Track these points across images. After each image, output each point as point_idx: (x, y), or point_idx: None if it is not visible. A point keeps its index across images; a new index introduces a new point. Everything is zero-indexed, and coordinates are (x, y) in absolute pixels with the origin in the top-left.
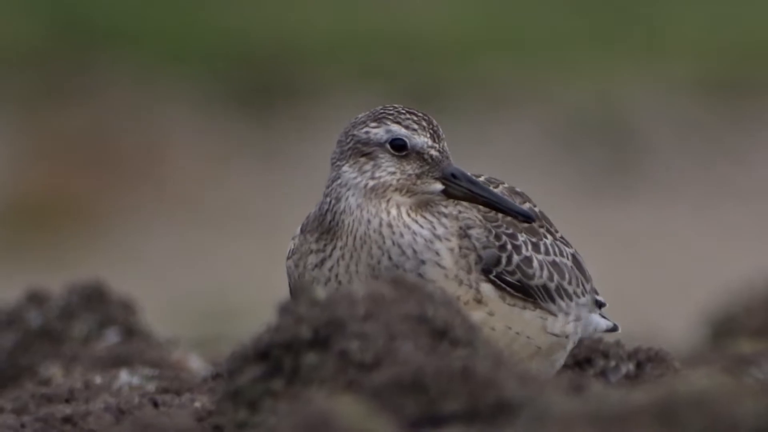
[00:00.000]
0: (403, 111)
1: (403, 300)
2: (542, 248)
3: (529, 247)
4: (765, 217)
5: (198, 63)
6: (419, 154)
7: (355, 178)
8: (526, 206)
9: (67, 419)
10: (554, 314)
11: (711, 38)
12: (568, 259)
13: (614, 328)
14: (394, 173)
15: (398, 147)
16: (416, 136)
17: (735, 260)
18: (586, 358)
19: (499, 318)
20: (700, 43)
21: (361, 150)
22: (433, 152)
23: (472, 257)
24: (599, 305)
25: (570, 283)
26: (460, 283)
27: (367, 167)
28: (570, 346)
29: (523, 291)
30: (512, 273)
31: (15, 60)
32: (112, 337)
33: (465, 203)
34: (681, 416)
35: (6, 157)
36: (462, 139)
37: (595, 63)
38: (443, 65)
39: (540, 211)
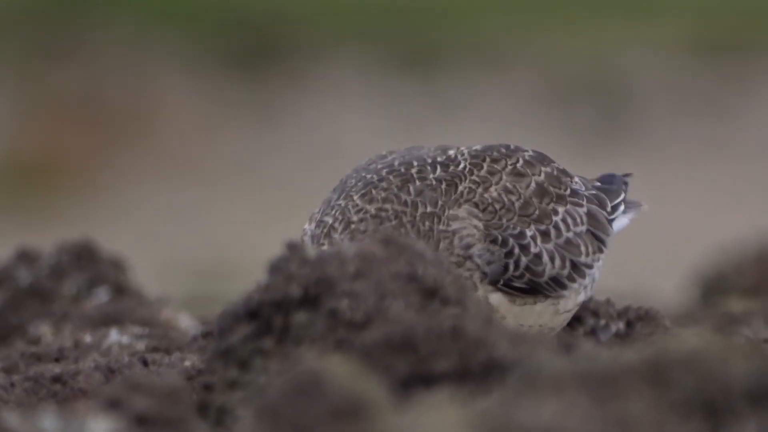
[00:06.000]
0: None
1: (394, 259)
2: (552, 233)
3: (538, 240)
4: (757, 177)
5: (192, 22)
6: None
7: None
8: (549, 169)
9: (56, 378)
10: (566, 296)
11: None
12: (582, 223)
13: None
14: None
15: None
16: None
17: (726, 219)
18: (576, 317)
19: (511, 318)
20: (695, 4)
21: None
22: None
23: (477, 275)
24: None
25: (587, 253)
26: None
27: None
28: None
29: (533, 291)
30: (520, 277)
31: (7, 20)
32: (102, 295)
33: (462, 215)
34: (672, 376)
35: None
36: (456, 100)
37: (589, 22)
38: (437, 26)
39: (559, 168)
